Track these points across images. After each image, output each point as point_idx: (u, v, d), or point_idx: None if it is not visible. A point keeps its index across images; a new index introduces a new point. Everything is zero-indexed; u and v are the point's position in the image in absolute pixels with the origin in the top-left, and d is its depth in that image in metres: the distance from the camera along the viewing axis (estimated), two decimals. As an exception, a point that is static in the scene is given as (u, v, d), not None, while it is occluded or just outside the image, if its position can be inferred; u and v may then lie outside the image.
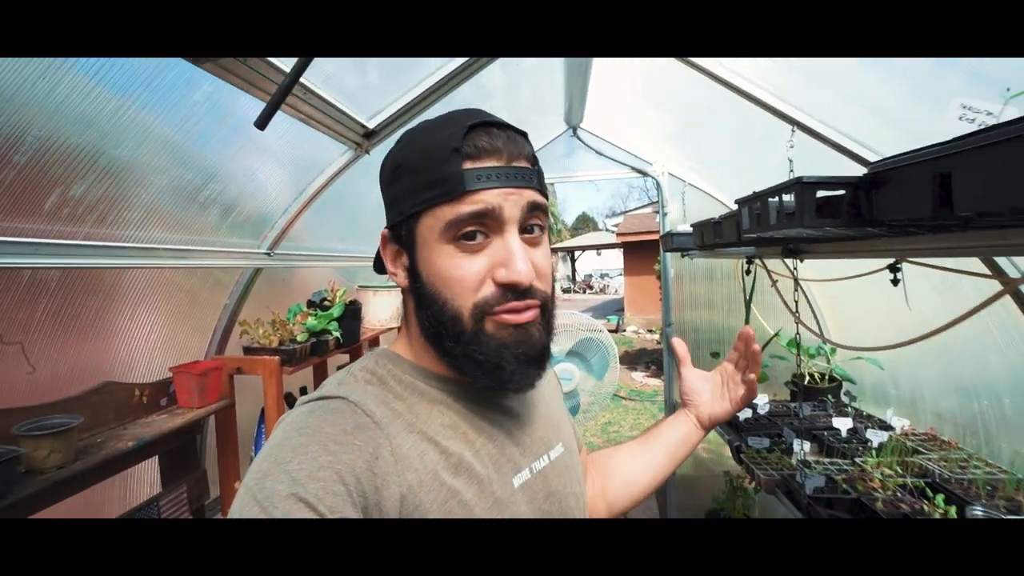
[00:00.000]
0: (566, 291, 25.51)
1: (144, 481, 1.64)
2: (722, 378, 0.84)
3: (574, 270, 29.17)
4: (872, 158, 1.22)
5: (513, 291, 0.53)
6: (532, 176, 0.55)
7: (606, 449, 0.87)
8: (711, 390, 0.84)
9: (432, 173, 0.53)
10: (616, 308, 15.37)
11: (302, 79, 1.23)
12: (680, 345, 0.87)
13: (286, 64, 1.12)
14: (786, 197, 0.87)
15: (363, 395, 0.52)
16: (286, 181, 1.80)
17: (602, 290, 27.09)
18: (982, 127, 0.55)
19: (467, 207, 0.51)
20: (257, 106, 0.96)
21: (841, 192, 0.79)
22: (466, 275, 0.52)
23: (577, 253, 26.80)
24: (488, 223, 0.53)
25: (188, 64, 1.02)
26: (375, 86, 1.60)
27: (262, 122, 0.83)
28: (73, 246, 1.09)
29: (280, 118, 1.35)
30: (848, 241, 1.09)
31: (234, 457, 1.74)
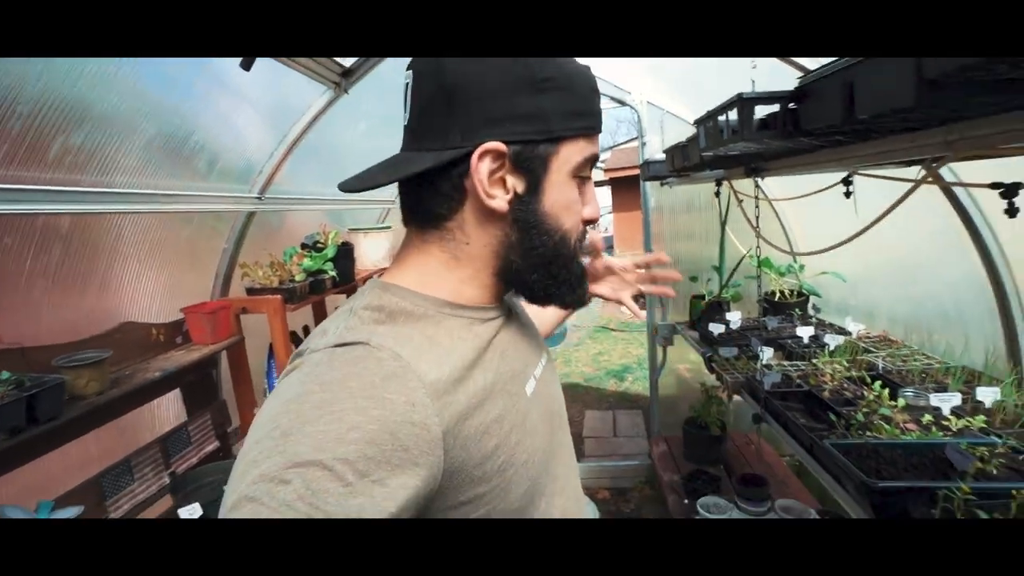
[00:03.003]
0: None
1: (171, 412, 1.81)
2: (620, 271, 0.94)
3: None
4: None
5: (591, 226, 0.62)
6: None
7: None
8: (610, 278, 0.95)
9: (583, 103, 0.54)
10: (606, 246, 15.42)
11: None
12: (595, 235, 0.99)
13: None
14: (732, 115, 0.96)
15: (383, 337, 0.48)
16: (268, 127, 1.84)
17: (593, 227, 27.08)
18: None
19: (596, 148, 0.57)
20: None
21: (776, 107, 0.88)
22: (579, 210, 0.58)
23: (566, 193, 26.47)
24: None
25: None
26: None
27: (247, 64, 0.89)
28: (79, 192, 1.17)
29: (256, 63, 1.38)
30: (799, 155, 1.19)
31: (248, 389, 1.90)
